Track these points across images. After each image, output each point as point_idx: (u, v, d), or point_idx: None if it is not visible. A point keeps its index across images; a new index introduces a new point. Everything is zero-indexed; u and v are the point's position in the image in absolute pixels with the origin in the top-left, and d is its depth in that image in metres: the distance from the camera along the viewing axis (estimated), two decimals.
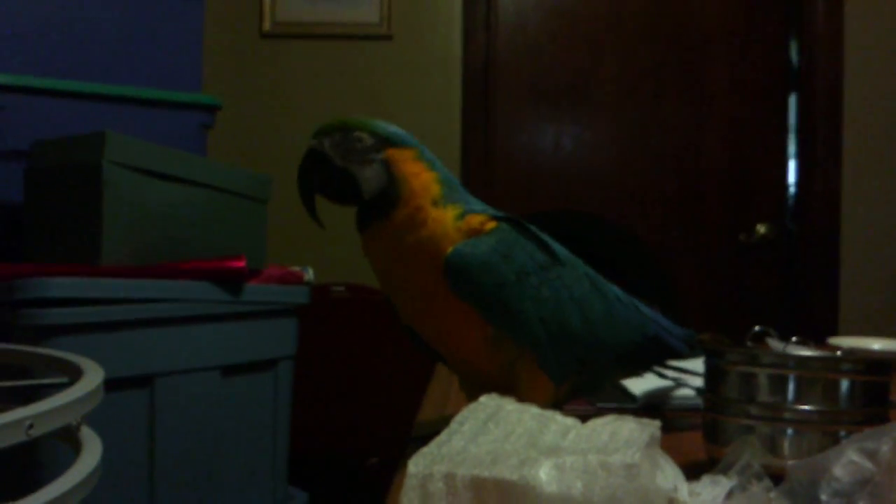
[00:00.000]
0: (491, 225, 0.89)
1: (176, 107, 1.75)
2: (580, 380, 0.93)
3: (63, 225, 1.44)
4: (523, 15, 2.81)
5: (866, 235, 2.76)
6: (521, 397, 0.81)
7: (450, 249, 0.86)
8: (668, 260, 2.72)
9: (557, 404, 0.91)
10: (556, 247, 0.93)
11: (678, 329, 1.03)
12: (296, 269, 1.68)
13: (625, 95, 2.82)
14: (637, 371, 1.05)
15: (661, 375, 1.11)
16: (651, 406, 1.08)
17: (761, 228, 2.79)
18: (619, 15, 2.81)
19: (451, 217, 0.88)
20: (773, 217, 2.82)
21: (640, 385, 1.12)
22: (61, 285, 1.27)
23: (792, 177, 2.84)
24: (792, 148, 2.83)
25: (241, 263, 1.48)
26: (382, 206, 0.88)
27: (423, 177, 0.89)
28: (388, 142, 0.89)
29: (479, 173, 2.76)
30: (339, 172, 0.89)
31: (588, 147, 2.82)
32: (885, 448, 0.58)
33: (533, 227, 0.92)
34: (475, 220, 0.89)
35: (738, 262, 2.81)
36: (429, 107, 2.76)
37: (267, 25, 2.74)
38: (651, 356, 1.01)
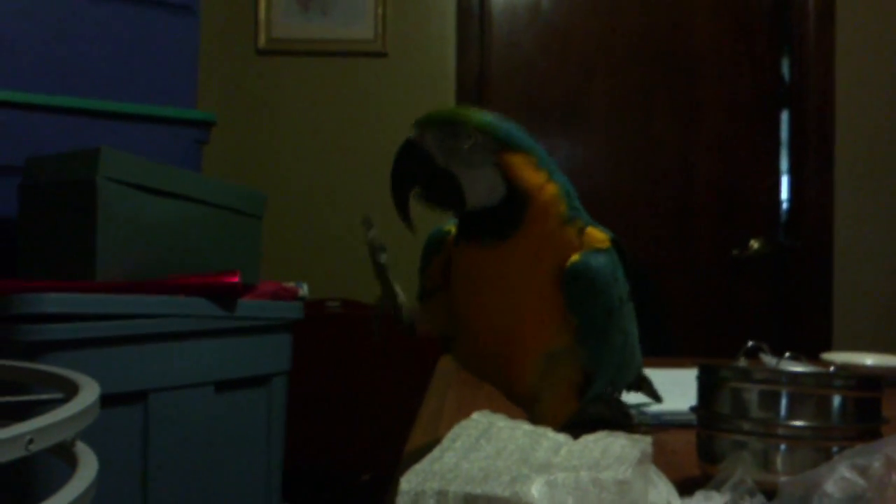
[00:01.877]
0: (607, 245, 0.81)
1: (171, 123, 1.76)
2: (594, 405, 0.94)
3: (58, 241, 1.44)
4: (516, 33, 2.83)
5: (859, 251, 2.77)
6: (545, 412, 0.81)
7: (575, 257, 0.78)
8: (662, 275, 2.72)
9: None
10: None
11: None
12: (290, 284, 1.68)
13: (617, 112, 2.83)
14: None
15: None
16: (639, 423, 1.08)
17: (754, 244, 2.80)
18: (611, 32, 2.83)
19: (574, 232, 0.80)
20: (766, 232, 2.83)
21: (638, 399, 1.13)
22: (56, 301, 1.27)
23: (784, 192, 2.85)
24: (784, 164, 2.85)
25: (236, 279, 1.48)
26: (499, 223, 0.78)
27: (548, 190, 0.78)
28: (504, 144, 0.78)
29: None
30: (440, 173, 0.78)
31: (580, 163, 2.83)
32: (876, 464, 0.58)
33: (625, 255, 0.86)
34: (598, 237, 0.81)
35: (731, 277, 2.82)
36: None
37: (262, 42, 2.75)
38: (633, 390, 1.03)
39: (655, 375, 1.13)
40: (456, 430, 0.69)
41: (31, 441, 0.58)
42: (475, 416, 0.72)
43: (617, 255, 0.83)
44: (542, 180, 0.78)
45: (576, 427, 0.77)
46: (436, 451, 0.64)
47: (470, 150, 0.76)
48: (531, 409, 0.85)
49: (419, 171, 0.78)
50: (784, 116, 2.85)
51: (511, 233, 0.77)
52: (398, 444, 1.08)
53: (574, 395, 0.85)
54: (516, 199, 0.77)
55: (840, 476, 0.59)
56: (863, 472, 0.59)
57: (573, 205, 0.81)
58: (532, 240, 0.77)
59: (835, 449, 0.71)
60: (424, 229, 0.85)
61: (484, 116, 0.78)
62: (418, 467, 0.61)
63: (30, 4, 1.62)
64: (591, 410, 1.05)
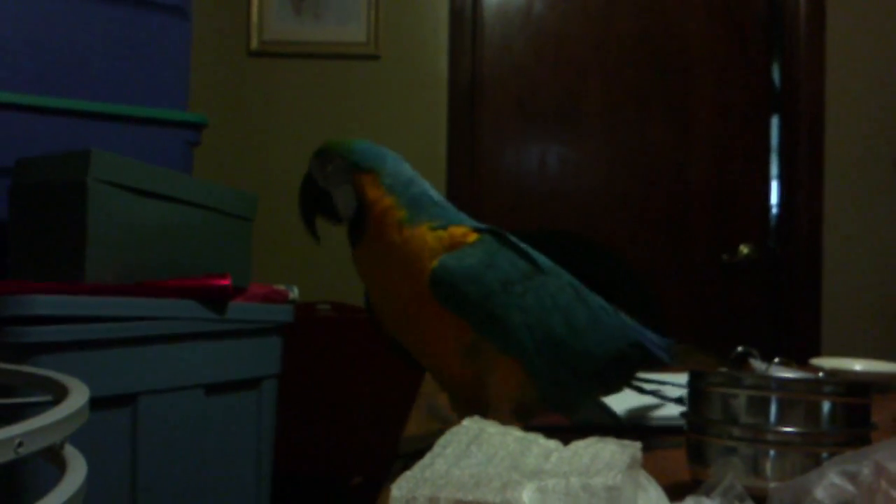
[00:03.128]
0: (473, 237, 0.91)
1: (162, 124, 1.75)
2: (562, 391, 0.94)
3: (47, 242, 1.44)
4: (509, 36, 2.83)
5: (848, 256, 2.78)
6: (490, 398, 0.84)
7: (435, 262, 0.88)
8: (653, 279, 2.73)
9: (528, 415, 0.92)
10: (539, 257, 0.96)
11: (658, 338, 1.04)
12: (281, 287, 1.68)
13: (610, 116, 2.84)
14: (620, 383, 1.04)
15: (640, 390, 1.11)
16: (633, 427, 1.08)
17: (744, 249, 2.81)
18: (604, 36, 2.84)
19: (428, 231, 0.90)
20: (756, 237, 2.84)
21: (620, 404, 1.12)
22: (46, 303, 1.26)
23: (774, 198, 2.86)
24: (774, 169, 2.86)
25: (226, 281, 1.48)
26: (354, 231, 0.93)
27: (383, 202, 0.91)
28: (355, 166, 0.92)
29: (464, 192, 2.77)
30: (323, 193, 0.94)
31: (573, 167, 2.84)
32: (865, 471, 0.59)
33: (514, 238, 0.95)
34: (457, 232, 0.91)
35: (722, 281, 2.83)
36: (415, 126, 2.78)
37: (254, 44, 2.74)
38: (634, 364, 1.02)
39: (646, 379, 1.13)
40: (447, 436, 0.69)
41: (20, 444, 0.58)
42: (466, 422, 0.72)
43: (496, 242, 0.92)
44: (378, 195, 0.91)
45: (566, 432, 0.77)
46: (427, 458, 0.64)
47: (333, 172, 0.93)
48: (475, 401, 0.91)
49: (312, 195, 0.96)
50: (774, 122, 2.86)
51: (360, 239, 0.92)
52: (388, 447, 1.08)
53: (515, 377, 0.90)
54: (361, 211, 0.92)
55: (830, 482, 0.59)
56: (852, 478, 0.59)
57: (419, 210, 0.92)
58: (375, 245, 0.91)
59: (824, 455, 0.71)
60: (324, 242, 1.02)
61: (348, 144, 0.94)
62: (409, 474, 0.61)
63: (20, 5, 1.61)
64: (580, 416, 1.05)
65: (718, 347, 1.12)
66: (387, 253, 0.90)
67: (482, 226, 0.95)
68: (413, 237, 0.90)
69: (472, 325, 0.89)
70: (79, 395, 0.72)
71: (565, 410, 1.00)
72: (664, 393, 1.12)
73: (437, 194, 0.96)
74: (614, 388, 1.05)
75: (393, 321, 0.94)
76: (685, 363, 1.10)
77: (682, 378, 0.87)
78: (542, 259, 0.96)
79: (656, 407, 1.13)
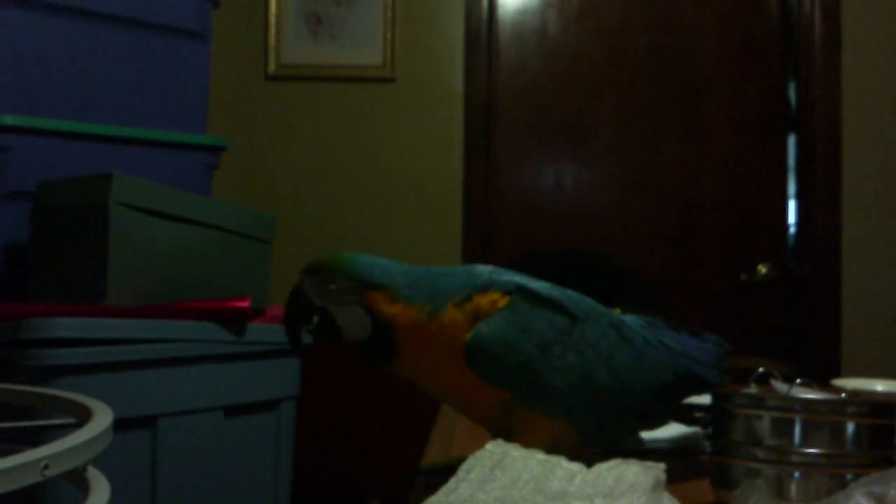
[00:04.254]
0: (503, 301, 0.87)
1: (182, 148, 1.77)
2: (605, 433, 0.91)
3: (69, 265, 1.45)
4: (524, 56, 2.84)
5: (867, 276, 2.76)
6: (525, 445, 0.80)
7: (468, 335, 0.85)
8: (670, 298, 2.72)
9: (568, 454, 0.89)
10: (575, 301, 0.91)
11: (708, 350, 0.99)
12: None
13: (624, 135, 2.84)
14: (665, 414, 0.99)
15: (690, 420, 1.04)
16: (656, 449, 1.07)
17: (762, 268, 2.80)
18: (618, 56, 2.84)
19: (454, 309, 0.87)
20: (775, 257, 2.82)
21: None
22: (68, 325, 1.27)
23: (792, 217, 2.85)
24: (792, 188, 2.85)
25: (245, 303, 1.49)
26: (381, 348, 0.88)
27: (407, 313, 0.87)
28: (363, 284, 0.88)
29: (480, 212, 2.77)
30: (320, 311, 0.90)
31: (588, 186, 2.84)
32: (893, 492, 0.58)
33: (543, 289, 0.90)
34: (484, 301, 0.87)
35: (740, 301, 2.81)
36: (431, 147, 2.79)
37: (272, 67, 2.77)
38: (682, 393, 0.97)
39: None
40: (470, 461, 0.69)
41: (46, 466, 0.58)
42: (489, 446, 0.72)
43: (527, 302, 0.88)
44: (399, 308, 0.87)
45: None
46: (451, 483, 0.64)
47: (337, 292, 0.88)
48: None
49: (302, 311, 0.91)
50: (791, 140, 2.85)
51: (392, 356, 0.88)
52: (406, 468, 1.07)
53: (554, 428, 0.87)
54: (383, 330, 0.88)
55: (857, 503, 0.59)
56: (879, 500, 0.58)
57: (437, 294, 0.88)
58: (413, 352, 0.88)
59: (849, 476, 0.71)
60: None
61: (349, 261, 0.90)
62: (434, 499, 0.61)
63: (42, 30, 1.64)
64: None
65: (739, 372, 1.08)
66: (426, 351, 0.87)
67: (508, 282, 0.89)
68: (444, 325, 0.86)
69: (512, 394, 0.86)
70: (103, 418, 0.73)
71: (606, 448, 0.99)
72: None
73: (435, 269, 0.93)
74: (660, 422, 1.01)
75: (427, 388, 0.92)
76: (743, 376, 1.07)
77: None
78: (578, 303, 0.91)
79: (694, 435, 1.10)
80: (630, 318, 0.96)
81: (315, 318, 0.90)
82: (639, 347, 0.91)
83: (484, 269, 0.92)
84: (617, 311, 1.00)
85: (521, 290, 0.88)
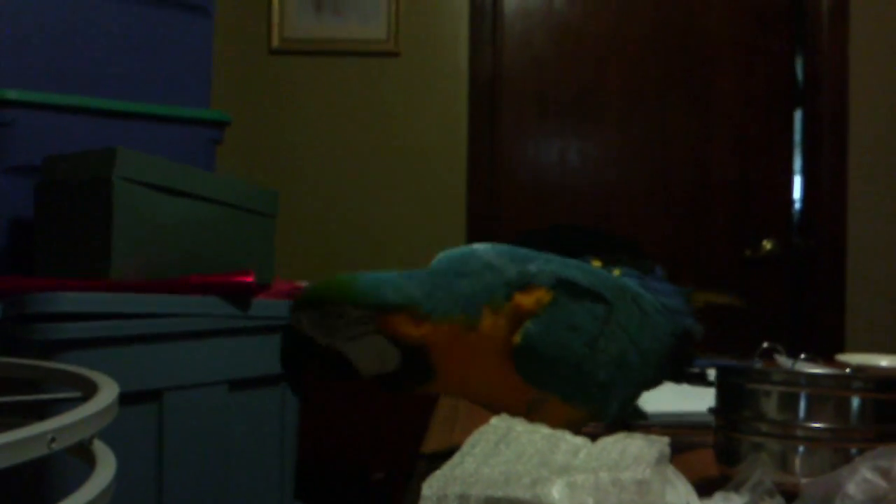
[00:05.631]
0: (547, 298, 0.80)
1: (185, 122, 1.76)
2: (624, 411, 0.90)
3: (73, 240, 1.45)
4: (529, 30, 2.83)
5: (872, 252, 2.76)
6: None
7: (516, 338, 0.78)
8: (674, 274, 2.71)
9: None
10: (604, 281, 0.86)
11: (678, 294, 0.97)
12: (304, 283, 1.69)
13: (630, 109, 2.83)
14: (672, 376, 0.98)
15: (697, 380, 1.03)
16: (660, 423, 1.07)
17: (767, 244, 2.79)
18: (624, 29, 2.83)
19: (492, 316, 0.79)
20: (780, 232, 2.82)
21: (653, 404, 1.10)
22: (72, 300, 1.27)
23: (797, 192, 2.84)
24: (797, 163, 2.84)
25: (250, 278, 1.49)
26: (412, 378, 0.80)
27: (440, 331, 0.78)
28: (378, 309, 0.77)
29: (485, 187, 2.76)
30: (326, 350, 0.79)
31: (594, 160, 2.83)
32: None
33: (582, 279, 0.83)
34: (527, 301, 0.80)
35: (745, 277, 2.81)
36: (435, 122, 2.78)
37: (275, 42, 2.75)
38: (682, 353, 0.96)
39: None
40: (475, 435, 0.69)
41: (52, 440, 0.59)
42: (494, 421, 0.72)
43: (569, 295, 0.81)
44: (426, 330, 0.77)
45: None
46: (456, 457, 0.65)
47: (346, 326, 0.77)
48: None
49: (303, 353, 0.80)
50: (797, 116, 2.84)
51: (428, 378, 0.80)
52: (411, 442, 1.08)
53: (574, 415, 0.85)
54: (413, 355, 0.78)
55: (862, 478, 0.59)
56: (885, 474, 0.59)
57: (469, 305, 0.79)
58: (452, 370, 0.79)
59: (853, 450, 0.71)
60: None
61: (355, 287, 0.78)
62: (439, 473, 0.61)
63: (44, 4, 1.63)
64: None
65: (744, 348, 1.07)
66: (467, 364, 0.80)
67: (543, 274, 0.81)
68: (484, 332, 0.79)
69: (559, 396, 0.81)
70: (108, 391, 0.73)
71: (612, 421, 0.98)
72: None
73: (439, 268, 0.83)
74: (659, 384, 0.98)
75: (458, 395, 0.88)
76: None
77: None
78: (606, 283, 0.86)
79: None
80: (628, 280, 0.94)
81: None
82: (650, 315, 0.89)
83: (498, 258, 0.83)
84: (596, 263, 0.99)
85: (563, 284, 0.82)
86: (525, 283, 0.81)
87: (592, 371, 0.82)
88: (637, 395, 0.93)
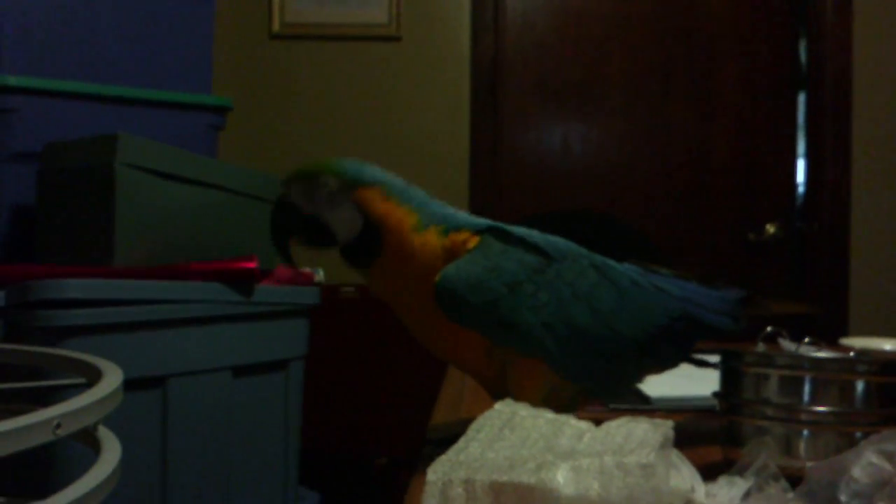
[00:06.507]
0: (474, 241, 0.88)
1: (186, 108, 1.76)
2: (602, 380, 0.91)
3: (76, 226, 1.45)
4: (531, 14, 2.81)
5: (876, 235, 2.76)
6: (517, 396, 0.81)
7: (437, 276, 0.85)
8: (677, 258, 2.71)
9: (569, 408, 0.88)
10: (552, 243, 0.90)
11: (719, 298, 0.96)
12: (306, 269, 1.69)
13: (633, 94, 2.82)
14: (672, 360, 0.97)
15: (702, 363, 1.03)
16: (665, 408, 1.07)
17: (770, 228, 2.79)
18: (626, 13, 2.81)
19: (436, 238, 0.88)
20: (783, 216, 2.81)
21: (657, 388, 1.11)
22: (76, 287, 1.27)
23: (801, 176, 2.83)
24: (801, 147, 2.83)
25: (253, 264, 1.49)
26: (367, 248, 0.88)
27: (397, 212, 0.88)
28: (355, 183, 0.88)
29: (487, 172, 2.76)
30: (310, 220, 0.89)
31: (596, 145, 2.82)
32: None
33: (517, 230, 0.90)
34: (458, 238, 0.88)
35: (748, 261, 2.81)
36: (437, 106, 2.77)
37: (276, 26, 2.74)
38: (686, 337, 0.95)
39: None
40: (480, 420, 0.69)
41: (58, 426, 0.59)
42: (498, 406, 0.72)
43: (497, 241, 0.88)
44: (390, 207, 0.88)
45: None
46: (461, 442, 0.65)
47: (329, 196, 0.88)
48: (505, 395, 0.85)
49: (291, 221, 0.91)
50: (801, 98, 2.83)
51: (375, 255, 0.88)
52: (414, 428, 1.08)
53: (541, 373, 0.87)
54: (371, 227, 0.88)
55: (867, 461, 0.59)
56: (890, 457, 0.59)
57: (427, 214, 0.89)
58: (394, 258, 0.88)
59: (858, 434, 0.71)
60: None
61: (338, 163, 0.89)
62: (444, 458, 0.61)
63: None
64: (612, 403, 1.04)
65: (747, 331, 1.05)
66: (405, 263, 0.87)
67: (481, 223, 0.90)
68: (426, 244, 0.87)
69: (484, 335, 0.86)
70: (113, 377, 0.73)
71: (607, 397, 0.98)
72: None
73: (429, 195, 0.93)
74: (667, 366, 0.98)
75: (413, 329, 0.92)
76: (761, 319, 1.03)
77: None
78: (556, 244, 0.90)
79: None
80: (623, 266, 0.94)
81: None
82: (625, 289, 0.90)
83: (467, 216, 0.93)
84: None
85: (492, 231, 0.89)
86: (459, 227, 0.89)
87: (514, 310, 0.85)
88: (623, 366, 0.92)
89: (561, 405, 0.83)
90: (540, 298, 0.86)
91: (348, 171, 0.89)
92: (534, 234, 0.91)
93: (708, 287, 0.98)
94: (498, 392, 0.90)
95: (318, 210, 0.88)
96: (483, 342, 0.87)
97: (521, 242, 0.89)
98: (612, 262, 0.93)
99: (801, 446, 0.72)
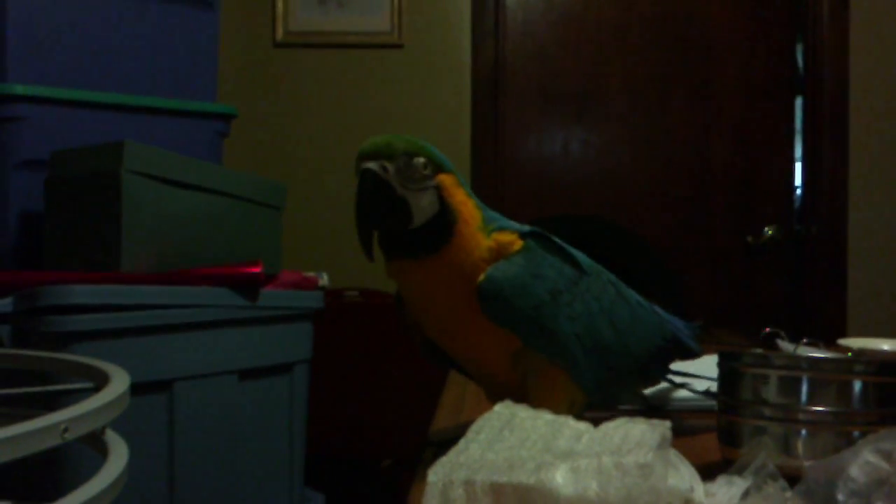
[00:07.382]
0: (518, 244, 0.86)
1: (192, 116, 1.77)
2: (606, 390, 0.92)
3: (83, 233, 1.46)
4: (531, 22, 2.83)
5: (873, 237, 2.76)
6: (537, 405, 0.81)
7: (482, 276, 0.83)
8: (676, 261, 2.72)
9: (577, 415, 0.89)
10: (580, 256, 0.91)
11: (686, 326, 1.02)
12: (310, 274, 1.70)
13: (632, 100, 2.82)
14: (657, 376, 1.03)
15: (672, 383, 1.10)
16: (656, 407, 1.08)
17: (769, 230, 2.80)
18: (626, 20, 2.82)
19: (484, 238, 0.86)
20: (781, 219, 2.82)
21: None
22: (84, 292, 1.29)
23: (798, 179, 2.84)
24: (798, 150, 2.84)
25: (258, 269, 1.50)
26: (431, 236, 0.83)
27: (468, 204, 0.86)
28: (439, 167, 0.85)
29: (489, 179, 2.77)
30: (398, 201, 0.83)
31: (596, 151, 2.83)
32: None
33: (557, 240, 0.90)
34: (504, 239, 0.86)
35: (747, 264, 2.82)
36: (439, 113, 2.78)
37: (280, 35, 2.76)
38: (670, 358, 1.00)
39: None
40: (479, 422, 0.70)
41: (66, 430, 0.60)
42: (497, 407, 0.73)
43: (541, 248, 0.87)
44: (463, 196, 0.86)
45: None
46: (461, 444, 0.66)
47: (420, 178, 0.83)
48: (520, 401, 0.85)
49: (383, 203, 0.83)
50: (798, 103, 2.84)
51: (443, 244, 0.84)
52: (418, 430, 1.09)
53: (562, 384, 0.87)
54: (447, 215, 0.84)
55: (864, 461, 0.59)
56: (887, 456, 0.59)
57: (486, 215, 0.87)
58: (458, 250, 0.84)
59: (856, 434, 0.71)
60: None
61: (424, 144, 0.85)
62: (444, 459, 0.62)
63: (52, 1, 1.63)
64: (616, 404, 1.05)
65: (745, 328, 1.09)
66: (461, 256, 0.84)
67: (524, 228, 0.89)
68: (481, 242, 0.85)
69: (521, 338, 0.85)
70: (120, 382, 0.74)
71: (607, 406, 0.99)
72: (693, 387, 1.09)
73: None
74: (653, 382, 1.04)
75: (436, 328, 0.90)
76: (715, 345, 1.09)
77: (709, 368, 0.87)
78: (582, 258, 0.91)
79: (674, 389, 1.13)
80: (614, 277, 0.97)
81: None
82: (634, 307, 0.93)
83: (503, 217, 0.91)
84: None
85: (536, 236, 0.88)
86: (503, 228, 0.87)
87: (553, 318, 0.85)
88: (624, 380, 0.95)
89: (575, 416, 0.84)
90: (574, 309, 0.87)
91: (434, 153, 0.85)
92: (568, 246, 0.91)
93: (671, 315, 1.02)
94: (511, 398, 0.90)
95: (406, 191, 0.83)
96: (511, 347, 0.86)
97: (561, 251, 0.89)
98: (621, 282, 0.95)
99: (800, 446, 0.73)
